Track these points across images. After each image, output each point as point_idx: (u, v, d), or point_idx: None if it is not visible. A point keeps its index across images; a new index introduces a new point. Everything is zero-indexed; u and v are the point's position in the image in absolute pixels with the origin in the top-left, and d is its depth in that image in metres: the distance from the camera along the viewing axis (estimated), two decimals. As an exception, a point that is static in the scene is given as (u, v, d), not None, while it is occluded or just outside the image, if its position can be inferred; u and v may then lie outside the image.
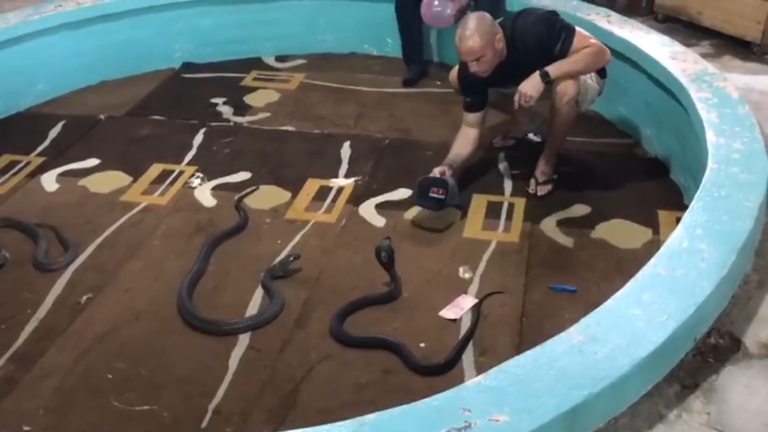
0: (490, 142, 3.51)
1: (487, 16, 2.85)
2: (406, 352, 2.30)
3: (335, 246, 2.87)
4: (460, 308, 2.50)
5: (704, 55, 3.56)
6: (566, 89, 2.86)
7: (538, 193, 3.11)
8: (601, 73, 3.04)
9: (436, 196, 2.89)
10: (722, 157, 2.51)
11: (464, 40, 2.78)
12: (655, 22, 4.42)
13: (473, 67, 2.85)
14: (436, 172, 2.97)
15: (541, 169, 3.14)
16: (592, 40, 2.87)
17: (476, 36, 2.75)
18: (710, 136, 2.63)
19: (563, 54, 2.83)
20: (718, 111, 2.80)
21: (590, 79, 3.01)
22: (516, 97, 2.88)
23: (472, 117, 3.08)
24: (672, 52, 3.33)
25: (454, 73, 3.16)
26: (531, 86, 2.84)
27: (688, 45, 3.56)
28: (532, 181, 3.15)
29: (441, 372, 2.25)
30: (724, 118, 2.74)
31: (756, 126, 2.71)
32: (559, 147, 3.14)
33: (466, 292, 2.58)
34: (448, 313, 2.49)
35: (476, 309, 2.49)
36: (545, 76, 2.82)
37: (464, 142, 3.09)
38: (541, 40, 2.83)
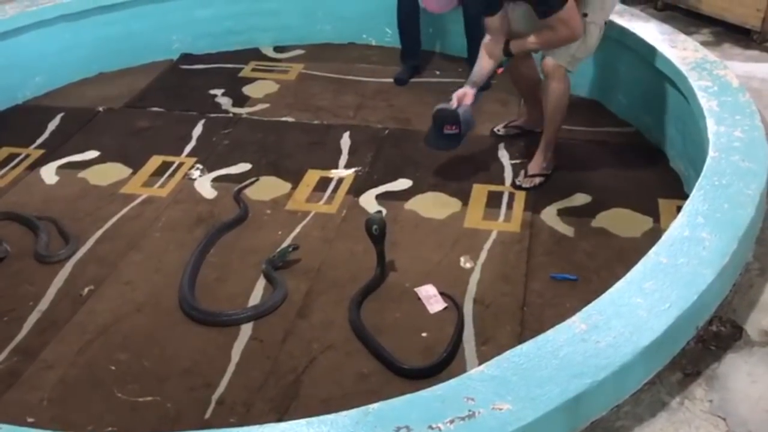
0: (491, 130, 3.51)
1: None
2: (389, 359, 2.24)
3: (336, 237, 2.88)
4: (432, 296, 2.51)
5: (704, 43, 3.54)
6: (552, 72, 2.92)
7: (523, 186, 3.09)
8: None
9: (450, 132, 2.96)
10: (723, 146, 2.50)
11: None
12: (655, 10, 4.39)
13: None
14: (454, 98, 3.02)
15: (535, 161, 3.13)
16: (573, 23, 2.79)
17: None
18: (711, 125, 2.62)
19: (543, 15, 2.79)
20: (718, 99, 2.79)
21: (592, 25, 2.90)
22: None
23: (494, 20, 2.99)
24: (672, 40, 3.32)
25: None
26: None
27: (687, 33, 3.55)
28: (522, 171, 3.15)
29: (428, 375, 2.17)
30: (724, 106, 2.74)
31: (756, 114, 2.70)
32: (554, 135, 3.10)
33: (467, 282, 2.59)
34: (432, 308, 2.48)
35: (457, 311, 2.44)
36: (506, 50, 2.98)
37: (487, 56, 3.07)
38: None
